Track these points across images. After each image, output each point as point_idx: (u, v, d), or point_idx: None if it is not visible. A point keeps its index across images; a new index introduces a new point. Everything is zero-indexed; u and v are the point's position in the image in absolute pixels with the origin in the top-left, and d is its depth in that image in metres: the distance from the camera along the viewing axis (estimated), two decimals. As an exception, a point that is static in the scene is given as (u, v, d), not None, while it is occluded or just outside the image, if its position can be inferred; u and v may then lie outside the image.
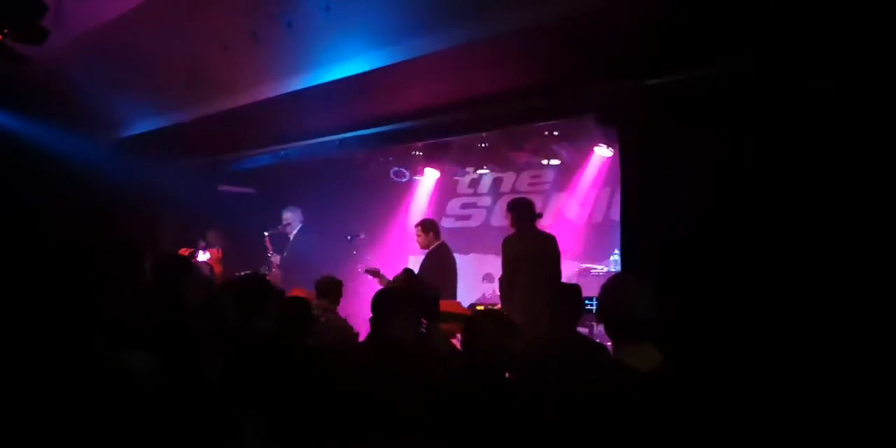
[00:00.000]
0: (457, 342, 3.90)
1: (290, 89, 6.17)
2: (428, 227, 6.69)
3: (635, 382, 2.11)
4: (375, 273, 6.67)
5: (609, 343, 4.40)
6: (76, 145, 7.79)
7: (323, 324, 4.83)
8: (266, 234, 8.14)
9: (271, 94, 6.33)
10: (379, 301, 3.48)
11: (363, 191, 10.10)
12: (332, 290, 5.15)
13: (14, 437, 1.25)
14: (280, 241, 8.20)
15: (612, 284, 2.43)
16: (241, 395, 2.44)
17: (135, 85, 6.74)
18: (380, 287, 5.05)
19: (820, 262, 3.86)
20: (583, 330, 5.82)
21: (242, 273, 6.30)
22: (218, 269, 8.08)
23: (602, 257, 7.91)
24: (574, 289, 4.25)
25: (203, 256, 8.10)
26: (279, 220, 8.18)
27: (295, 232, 8.12)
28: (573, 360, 3.50)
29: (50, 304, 1.40)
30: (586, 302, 5.93)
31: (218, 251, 8.35)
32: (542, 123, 7.10)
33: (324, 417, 3.00)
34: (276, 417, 2.65)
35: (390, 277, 5.98)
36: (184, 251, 7.09)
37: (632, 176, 5.04)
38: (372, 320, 3.95)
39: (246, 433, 2.17)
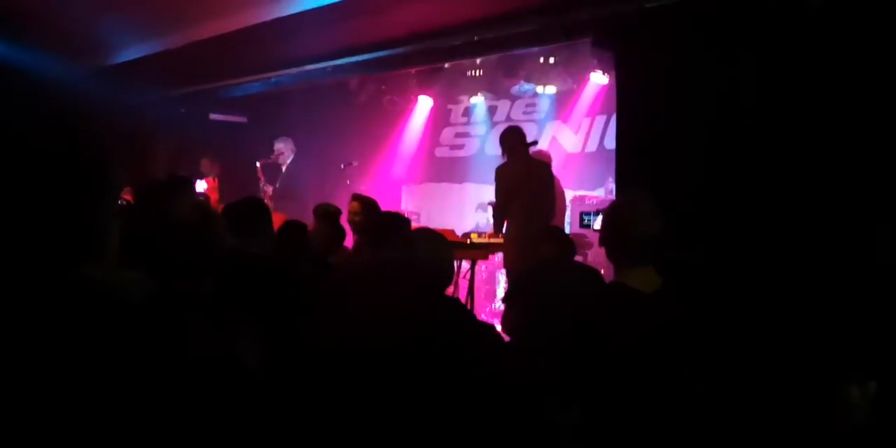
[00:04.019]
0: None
1: (280, 14, 6.02)
2: None
3: (638, 301, 2.14)
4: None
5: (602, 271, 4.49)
6: (62, 72, 7.63)
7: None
8: (258, 164, 8.08)
9: (261, 19, 6.18)
10: (380, 225, 3.55)
11: (356, 119, 9.99)
12: (330, 215, 5.10)
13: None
14: (272, 171, 8.16)
15: (618, 205, 2.38)
16: (235, 310, 2.48)
17: (121, 10, 6.55)
18: None
19: (820, 187, 3.88)
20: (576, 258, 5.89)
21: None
22: (214, 197, 8.08)
23: (596, 185, 7.94)
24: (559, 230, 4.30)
25: (200, 185, 8.07)
26: (271, 148, 8.11)
27: (287, 162, 8.07)
28: (572, 282, 3.55)
29: (35, 227, 1.37)
30: (584, 217, 5.99)
31: (214, 180, 8.32)
32: (537, 48, 6.98)
33: (319, 334, 3.08)
34: (269, 332, 2.71)
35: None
36: (180, 179, 7.06)
37: (628, 100, 5.00)
38: (368, 243, 4.01)
39: (239, 346, 2.22)
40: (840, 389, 2.22)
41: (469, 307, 5.57)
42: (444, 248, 2.82)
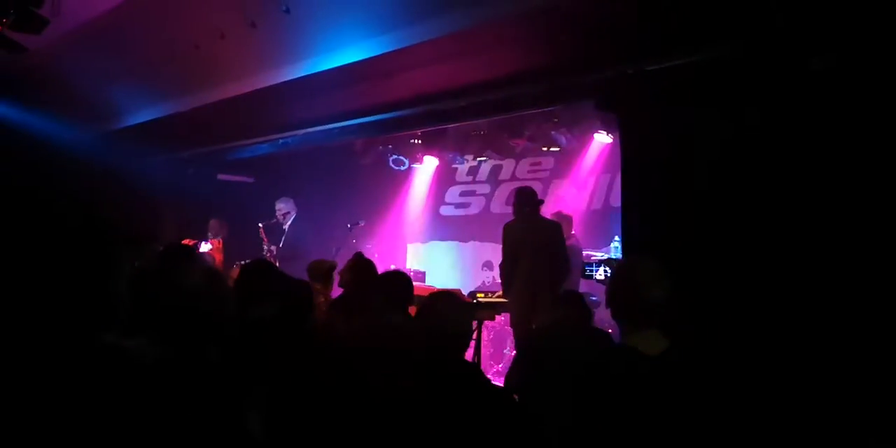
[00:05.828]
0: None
1: (288, 78, 6.14)
2: None
3: (643, 365, 2.11)
4: None
5: (610, 330, 4.45)
6: (75, 136, 7.77)
7: (316, 307, 4.82)
8: (260, 225, 8.09)
9: (270, 83, 6.31)
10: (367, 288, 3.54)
11: (362, 179, 10.10)
12: (324, 273, 5.13)
13: (11, 424, 1.27)
14: (275, 231, 8.16)
15: (625, 268, 2.38)
16: (244, 377, 2.45)
17: (133, 75, 6.71)
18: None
19: (825, 246, 3.86)
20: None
21: (244, 261, 6.29)
22: (219, 258, 8.08)
23: (602, 244, 7.92)
24: (577, 296, 4.26)
25: (205, 247, 8.09)
26: (275, 210, 8.14)
27: (290, 221, 8.08)
28: (582, 345, 3.52)
29: (50, 293, 1.42)
30: (587, 268, 5.94)
31: (219, 241, 8.34)
32: (541, 110, 7.09)
33: (325, 400, 3.02)
34: (278, 400, 2.66)
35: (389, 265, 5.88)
36: (187, 242, 7.08)
37: (632, 161, 5.04)
38: (359, 306, 3.99)
39: (248, 416, 2.19)
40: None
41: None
42: (463, 311, 2.70)
